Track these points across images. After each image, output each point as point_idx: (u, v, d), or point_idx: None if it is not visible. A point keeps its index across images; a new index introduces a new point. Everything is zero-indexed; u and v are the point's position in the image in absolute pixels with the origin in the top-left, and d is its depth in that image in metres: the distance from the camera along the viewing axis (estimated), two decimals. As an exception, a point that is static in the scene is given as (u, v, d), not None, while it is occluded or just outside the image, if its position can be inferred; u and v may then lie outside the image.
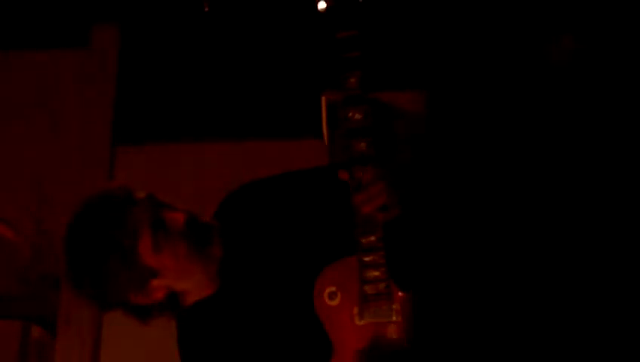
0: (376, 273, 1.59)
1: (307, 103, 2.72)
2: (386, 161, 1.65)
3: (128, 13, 2.90)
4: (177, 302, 1.77)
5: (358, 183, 1.61)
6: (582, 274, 2.27)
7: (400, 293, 1.60)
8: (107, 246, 1.66)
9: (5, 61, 2.90)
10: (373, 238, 1.60)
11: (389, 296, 1.60)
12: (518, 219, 2.35)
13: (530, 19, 2.65)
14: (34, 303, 2.65)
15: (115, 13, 2.89)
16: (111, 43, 2.86)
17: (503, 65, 2.61)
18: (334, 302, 1.62)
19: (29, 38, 2.91)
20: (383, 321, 1.60)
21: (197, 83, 2.86)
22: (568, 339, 2.18)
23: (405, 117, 2.55)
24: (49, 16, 2.90)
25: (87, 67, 2.85)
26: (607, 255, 2.29)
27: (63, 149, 2.80)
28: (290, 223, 1.80)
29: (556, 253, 2.30)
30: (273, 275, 1.75)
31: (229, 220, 1.82)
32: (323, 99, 2.59)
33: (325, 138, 2.63)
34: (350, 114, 1.63)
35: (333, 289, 1.63)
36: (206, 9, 2.88)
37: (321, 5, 1.66)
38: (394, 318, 1.59)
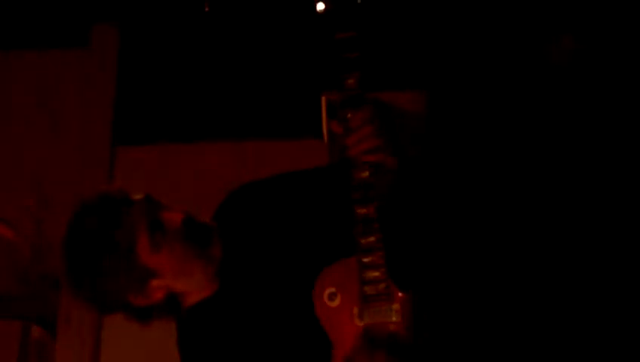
0: (376, 273, 1.59)
1: (307, 103, 2.72)
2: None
3: (128, 13, 2.90)
4: (177, 303, 1.77)
5: (349, 126, 1.61)
6: (582, 274, 2.27)
7: (400, 294, 1.60)
8: (105, 246, 1.66)
9: (5, 61, 2.90)
10: (372, 239, 1.60)
11: (389, 296, 1.60)
12: (518, 219, 2.35)
13: (530, 19, 2.65)
14: (34, 303, 2.64)
15: (115, 13, 2.89)
16: (111, 43, 2.86)
17: (503, 65, 2.62)
18: (334, 303, 1.62)
19: (29, 38, 2.90)
20: (383, 321, 1.60)
21: (197, 83, 2.86)
22: (568, 339, 2.18)
23: (405, 117, 2.56)
24: (49, 16, 2.90)
25: (87, 67, 2.84)
26: (607, 255, 2.29)
27: (63, 149, 2.79)
28: (290, 224, 1.80)
29: (556, 252, 2.30)
30: (273, 276, 1.75)
31: (229, 220, 1.82)
32: (323, 99, 2.59)
33: (325, 138, 2.63)
34: (350, 114, 1.64)
35: (333, 289, 1.63)
36: (206, 9, 2.89)
37: (320, 6, 1.67)
38: (394, 318, 1.59)
